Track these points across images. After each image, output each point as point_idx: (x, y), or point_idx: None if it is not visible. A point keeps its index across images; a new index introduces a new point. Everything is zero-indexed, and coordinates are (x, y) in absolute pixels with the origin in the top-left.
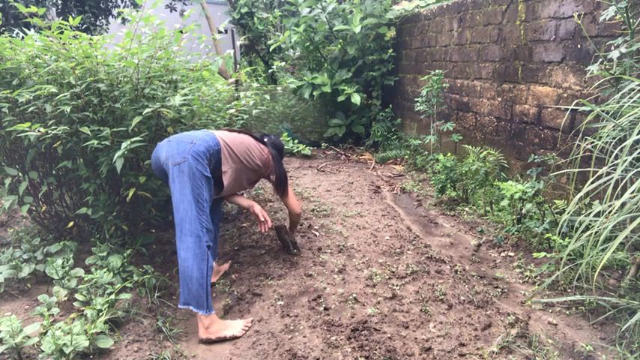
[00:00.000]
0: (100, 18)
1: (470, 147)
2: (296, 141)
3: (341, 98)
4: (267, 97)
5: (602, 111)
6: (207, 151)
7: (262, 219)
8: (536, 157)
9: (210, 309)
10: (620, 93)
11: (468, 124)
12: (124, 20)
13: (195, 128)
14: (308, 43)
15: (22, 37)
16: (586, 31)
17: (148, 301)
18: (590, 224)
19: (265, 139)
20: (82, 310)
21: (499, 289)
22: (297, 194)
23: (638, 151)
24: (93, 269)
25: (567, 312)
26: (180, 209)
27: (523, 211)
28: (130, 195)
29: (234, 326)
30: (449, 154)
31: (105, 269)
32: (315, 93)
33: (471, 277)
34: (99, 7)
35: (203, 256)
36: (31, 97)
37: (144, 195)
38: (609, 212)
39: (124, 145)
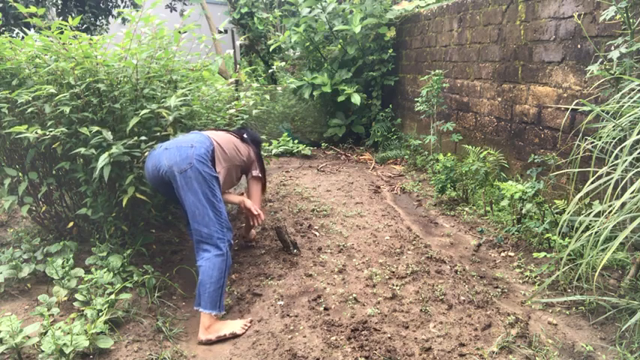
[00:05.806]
0: (100, 18)
1: (470, 147)
2: (296, 141)
3: (341, 98)
4: (267, 97)
5: (602, 111)
6: (207, 152)
7: (255, 212)
8: (536, 157)
9: (222, 308)
10: (620, 93)
11: (467, 124)
12: (124, 20)
13: (195, 128)
14: (308, 43)
15: (22, 37)
16: (586, 31)
17: (147, 301)
18: (590, 224)
19: (245, 135)
20: (82, 310)
21: (499, 289)
22: (297, 194)
23: (638, 151)
24: (93, 269)
25: (567, 312)
26: (195, 215)
27: (523, 211)
28: (125, 201)
29: (233, 325)
30: (449, 154)
31: (105, 269)
32: (315, 93)
33: (470, 277)
34: (99, 7)
35: (223, 257)
36: (31, 98)
37: (141, 197)
38: (609, 212)
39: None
